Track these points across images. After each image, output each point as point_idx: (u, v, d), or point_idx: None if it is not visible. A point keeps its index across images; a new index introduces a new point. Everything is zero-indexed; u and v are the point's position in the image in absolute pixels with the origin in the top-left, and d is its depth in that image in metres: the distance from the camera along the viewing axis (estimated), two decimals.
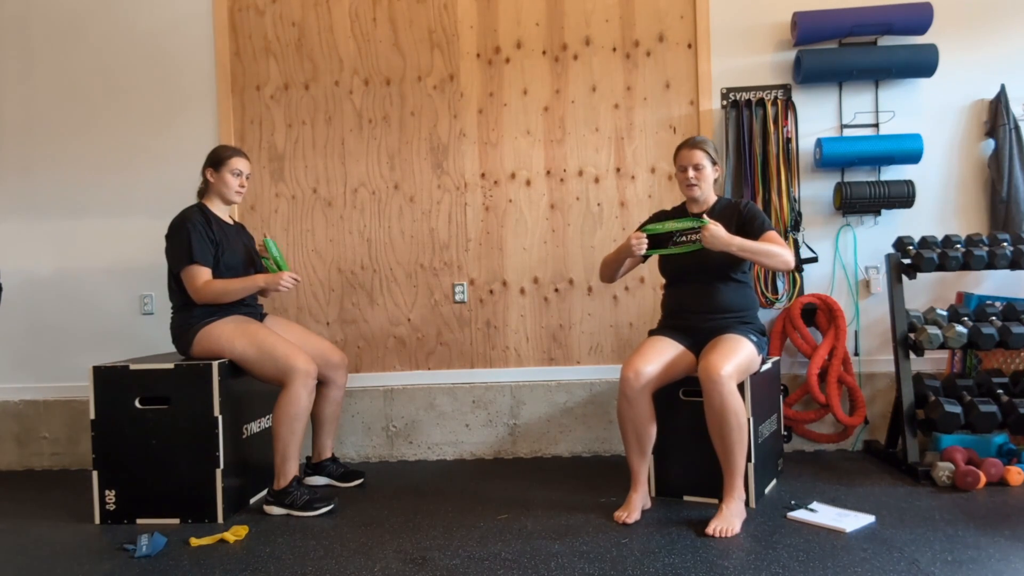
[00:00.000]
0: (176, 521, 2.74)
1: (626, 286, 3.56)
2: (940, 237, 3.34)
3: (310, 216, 3.64)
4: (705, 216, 2.71)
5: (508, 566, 2.23)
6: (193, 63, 3.65)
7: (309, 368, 2.76)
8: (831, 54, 3.35)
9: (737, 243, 2.58)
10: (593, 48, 3.55)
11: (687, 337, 2.75)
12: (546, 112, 3.58)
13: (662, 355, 2.66)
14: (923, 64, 3.32)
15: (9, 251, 3.70)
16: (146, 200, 3.66)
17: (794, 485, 2.93)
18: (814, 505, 2.65)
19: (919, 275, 3.39)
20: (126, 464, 2.75)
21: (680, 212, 2.89)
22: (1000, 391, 3.07)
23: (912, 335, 3.10)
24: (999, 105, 3.36)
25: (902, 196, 3.32)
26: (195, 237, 2.80)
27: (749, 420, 2.61)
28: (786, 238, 3.37)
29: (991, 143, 3.41)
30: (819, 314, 3.39)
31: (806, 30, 3.35)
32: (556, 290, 3.59)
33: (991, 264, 3.10)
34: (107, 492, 2.76)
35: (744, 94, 3.47)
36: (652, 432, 2.67)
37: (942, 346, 3.03)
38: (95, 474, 2.76)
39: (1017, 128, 3.35)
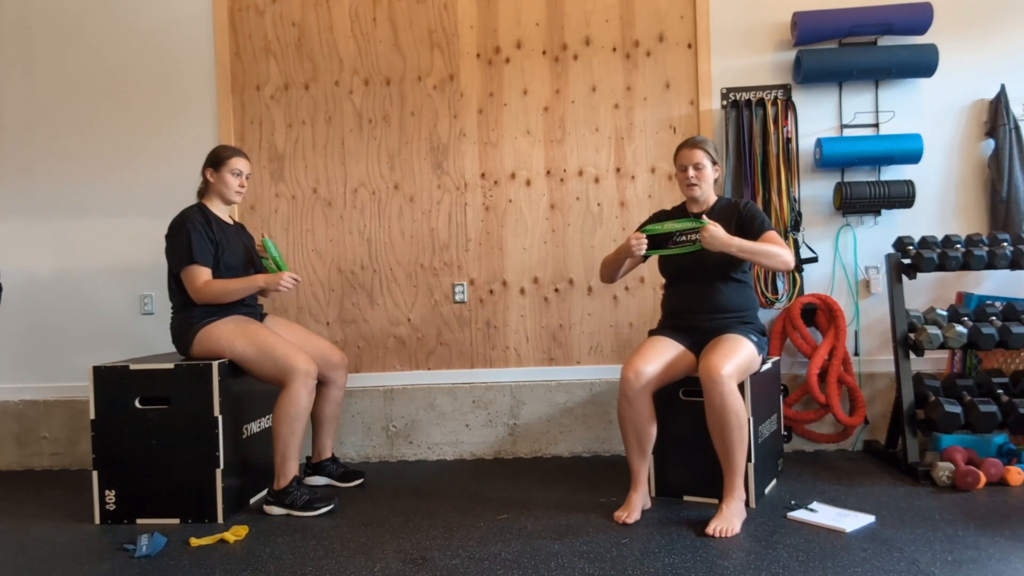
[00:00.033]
0: (176, 521, 2.74)
1: (626, 286, 3.56)
2: (940, 237, 3.34)
3: (310, 216, 3.64)
4: (704, 217, 2.71)
5: (508, 566, 2.23)
6: (193, 63, 3.65)
7: (309, 368, 2.76)
8: (831, 54, 3.35)
9: (736, 244, 2.58)
10: (593, 48, 3.55)
11: (687, 337, 2.75)
12: (546, 112, 3.58)
13: (662, 355, 2.66)
14: (923, 64, 3.32)
15: (9, 251, 3.70)
16: (146, 200, 3.66)
17: (794, 485, 2.94)
18: (814, 505, 2.65)
19: (919, 275, 3.39)
20: (126, 464, 2.75)
21: (680, 212, 2.89)
22: (1000, 391, 3.07)
23: (912, 335, 3.10)
24: (999, 105, 3.36)
25: (902, 196, 3.32)
26: (195, 237, 2.80)
27: (749, 420, 2.61)
28: (786, 238, 3.37)
29: (991, 143, 3.41)
30: (819, 314, 3.39)
31: (806, 30, 3.35)
32: (556, 290, 3.59)
33: (991, 264, 3.10)
34: (107, 492, 2.76)
35: (744, 94, 3.47)
36: (652, 432, 2.67)
37: (942, 346, 3.03)
38: (95, 474, 2.76)
39: (1017, 128, 3.35)
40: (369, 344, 3.63)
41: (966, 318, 3.07)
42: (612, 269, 2.88)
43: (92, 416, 2.75)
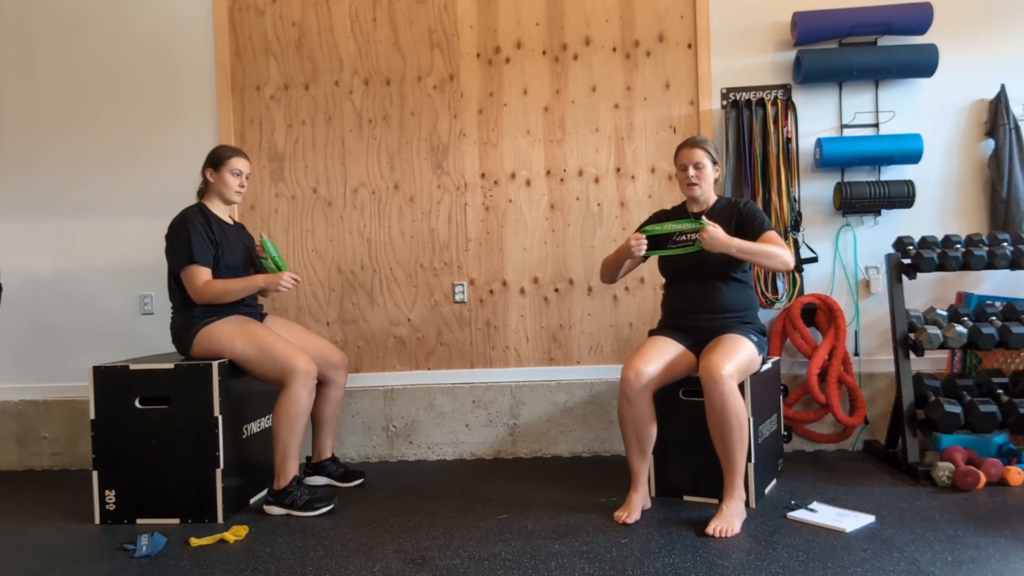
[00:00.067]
0: (176, 521, 2.74)
1: (626, 286, 3.56)
2: (940, 237, 3.34)
3: (310, 216, 3.64)
4: (704, 218, 2.71)
5: (508, 566, 2.23)
6: (193, 63, 3.65)
7: (309, 368, 2.76)
8: (831, 54, 3.35)
9: (736, 245, 2.58)
10: (593, 48, 3.55)
11: (687, 337, 2.75)
12: (546, 112, 3.58)
13: (663, 355, 2.66)
14: (923, 64, 3.32)
15: (9, 251, 3.70)
16: (146, 200, 3.66)
17: (794, 485, 2.94)
18: (814, 505, 2.65)
19: (919, 275, 3.39)
20: (126, 464, 2.75)
21: (680, 211, 2.89)
22: (1000, 391, 3.07)
23: (912, 335, 3.10)
24: (999, 105, 3.36)
25: (902, 196, 3.32)
26: (195, 237, 2.80)
27: (749, 420, 2.61)
28: (786, 238, 3.37)
29: (991, 143, 3.41)
30: (819, 314, 3.39)
31: (806, 30, 3.35)
32: (556, 290, 3.59)
33: (991, 264, 3.10)
34: (107, 492, 2.76)
35: (744, 94, 3.47)
36: (652, 432, 2.67)
37: (942, 346, 3.03)
38: (95, 474, 2.76)
39: (1017, 128, 3.35)
40: (369, 344, 3.63)
41: (966, 318, 3.07)
42: (612, 270, 2.88)
43: (92, 416, 2.75)
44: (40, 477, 3.53)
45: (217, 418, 2.72)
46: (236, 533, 2.55)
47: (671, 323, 2.82)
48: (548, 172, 3.58)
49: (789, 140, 3.41)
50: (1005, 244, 3.13)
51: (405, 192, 3.62)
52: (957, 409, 2.92)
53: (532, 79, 3.57)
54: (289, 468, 2.79)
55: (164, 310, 3.38)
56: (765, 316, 3.43)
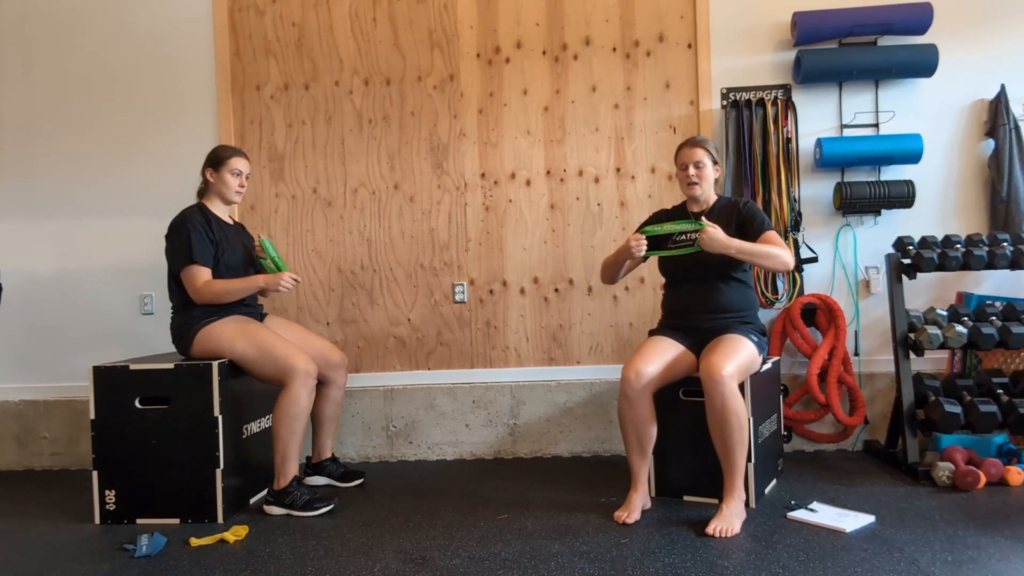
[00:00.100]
0: (176, 521, 2.74)
1: (626, 286, 3.56)
2: (940, 237, 3.34)
3: (310, 216, 3.64)
4: (704, 219, 2.71)
5: (508, 566, 2.23)
6: (193, 63, 3.65)
7: (309, 368, 2.76)
8: (831, 54, 3.35)
9: (735, 245, 2.58)
10: (593, 48, 3.55)
11: (687, 337, 2.75)
12: (546, 112, 3.58)
13: (663, 355, 2.66)
14: (923, 64, 3.32)
15: (9, 251, 3.70)
16: (146, 200, 3.66)
17: (794, 485, 2.94)
18: (814, 505, 2.65)
19: (919, 275, 3.39)
20: (126, 464, 2.75)
21: (680, 211, 2.89)
22: (1000, 391, 3.07)
23: (912, 335, 3.10)
24: (999, 105, 3.36)
25: (902, 196, 3.32)
26: (195, 237, 2.80)
27: (749, 420, 2.61)
28: (786, 238, 3.37)
29: (991, 143, 3.41)
30: (819, 314, 3.39)
31: (806, 30, 3.35)
32: (556, 290, 3.59)
33: (991, 264, 3.10)
34: (107, 492, 2.76)
35: (744, 94, 3.47)
36: (652, 432, 2.67)
37: (942, 346, 3.03)
38: (95, 474, 2.76)
39: (1017, 128, 3.35)
40: (369, 344, 3.63)
41: (966, 318, 3.07)
42: (612, 270, 2.88)
43: (92, 416, 2.75)
44: (40, 477, 3.53)
45: (217, 418, 2.72)
46: (236, 533, 2.55)
47: (671, 323, 2.82)
48: (548, 172, 3.58)
49: (789, 140, 3.41)
50: (1005, 244, 3.13)
51: (405, 192, 3.62)
52: (957, 409, 2.92)
53: (532, 79, 3.57)
54: (289, 468, 2.79)
55: (164, 310, 3.38)
56: (765, 316, 3.43)
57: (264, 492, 2.92)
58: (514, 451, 3.56)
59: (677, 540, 2.39)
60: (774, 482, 2.96)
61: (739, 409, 2.47)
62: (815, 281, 3.49)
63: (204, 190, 2.99)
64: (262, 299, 3.18)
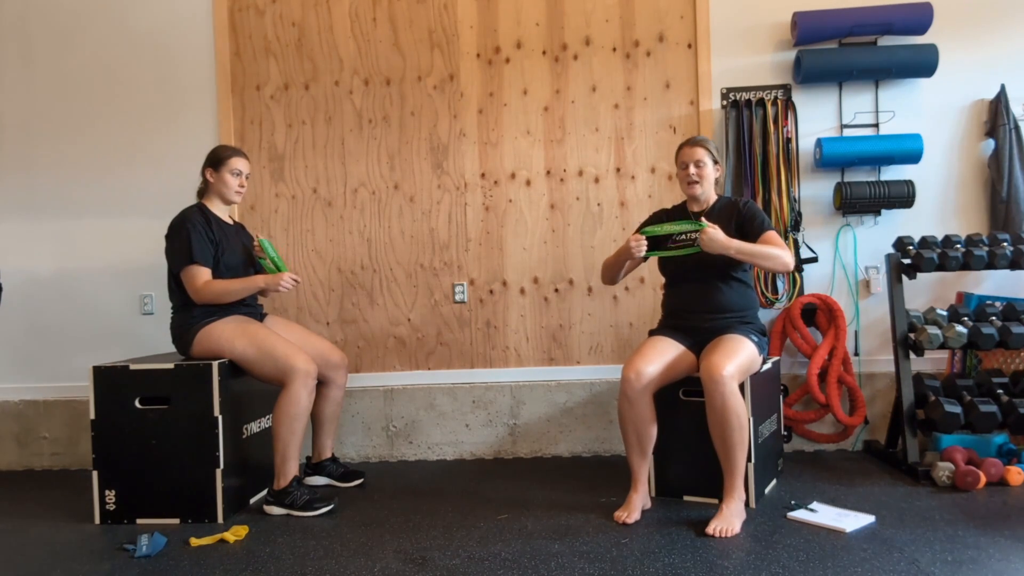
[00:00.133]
0: (176, 521, 2.74)
1: (626, 286, 3.55)
2: (940, 237, 3.34)
3: (310, 216, 3.64)
4: (704, 219, 2.71)
5: (508, 566, 2.23)
6: (193, 63, 3.65)
7: (309, 368, 2.76)
8: (831, 54, 3.35)
9: (735, 246, 2.58)
10: (593, 48, 3.55)
11: (688, 337, 2.75)
12: (546, 112, 3.58)
13: (663, 355, 2.66)
14: (923, 64, 3.32)
15: (9, 251, 3.70)
16: (146, 200, 3.66)
17: (794, 485, 2.94)
18: (814, 505, 2.65)
19: (919, 275, 3.39)
20: (126, 464, 2.75)
21: (680, 211, 2.89)
22: (1000, 391, 3.07)
23: (912, 335, 3.10)
24: (999, 105, 3.36)
25: (902, 196, 3.32)
26: (195, 237, 2.80)
27: (749, 420, 2.61)
28: (786, 238, 3.37)
29: (991, 143, 3.41)
30: (819, 314, 3.39)
31: (806, 30, 3.35)
32: (556, 290, 3.59)
33: (991, 264, 3.10)
34: (107, 492, 2.76)
35: (744, 94, 3.47)
36: (653, 432, 2.67)
37: (942, 346, 3.03)
38: (95, 474, 2.76)
39: (1017, 128, 3.35)
40: (369, 344, 3.63)
41: (966, 318, 3.07)
42: (613, 271, 2.88)
43: (92, 416, 2.75)
44: (40, 477, 3.53)
45: (217, 418, 2.72)
46: (236, 533, 2.55)
47: (671, 323, 2.82)
48: (548, 172, 3.58)
49: (789, 140, 3.41)
50: (1005, 244, 3.13)
51: (405, 192, 3.62)
52: (957, 409, 2.92)
53: (532, 79, 3.57)
54: (289, 468, 2.79)
55: (164, 310, 3.38)
56: (765, 316, 3.43)
57: (264, 492, 2.92)
58: (514, 451, 3.56)
59: (677, 540, 2.39)
60: (774, 482, 2.96)
61: (739, 409, 2.47)
62: (815, 281, 3.49)
63: (204, 190, 2.99)
64: (262, 299, 3.18)
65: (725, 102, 3.48)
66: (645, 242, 2.71)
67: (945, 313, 3.14)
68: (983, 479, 2.81)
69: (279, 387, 2.79)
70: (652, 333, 2.83)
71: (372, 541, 2.49)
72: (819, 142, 3.38)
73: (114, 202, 3.68)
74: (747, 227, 2.71)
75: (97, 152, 3.68)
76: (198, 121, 3.65)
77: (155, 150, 3.67)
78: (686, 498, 2.82)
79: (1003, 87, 3.37)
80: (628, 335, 3.57)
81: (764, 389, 2.85)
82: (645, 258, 2.78)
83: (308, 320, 3.63)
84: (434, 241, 3.61)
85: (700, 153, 2.75)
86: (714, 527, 2.42)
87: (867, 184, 3.33)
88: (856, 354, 3.47)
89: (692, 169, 2.75)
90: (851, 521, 2.48)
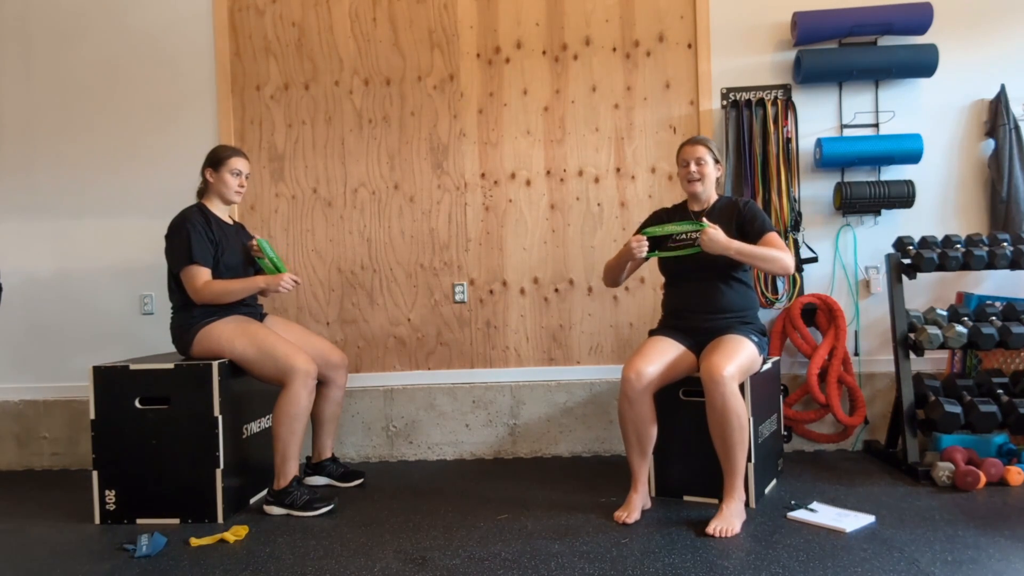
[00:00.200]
0: (176, 521, 2.74)
1: (626, 286, 3.55)
2: (940, 237, 3.34)
3: (310, 216, 3.64)
4: (705, 219, 2.71)
5: (508, 566, 2.23)
6: (193, 63, 3.65)
7: (309, 368, 2.76)
8: (831, 54, 3.35)
9: (735, 247, 2.58)
10: (593, 48, 3.55)
11: (688, 337, 2.74)
12: (546, 112, 3.58)
13: (663, 355, 2.66)
14: (923, 64, 3.32)
15: (9, 251, 3.70)
16: (146, 200, 3.66)
17: (794, 485, 2.93)
18: (814, 505, 2.65)
19: (919, 275, 3.39)
20: (126, 464, 2.75)
21: (680, 210, 2.89)
22: (1000, 391, 3.07)
23: (912, 335, 3.10)
24: (999, 105, 3.36)
25: (902, 196, 3.32)
26: (195, 237, 2.80)
27: (750, 420, 2.61)
28: (786, 238, 3.37)
29: (991, 143, 3.41)
30: (819, 314, 3.39)
31: (806, 30, 3.35)
32: (556, 290, 3.59)
33: (991, 264, 3.10)
34: (107, 492, 2.76)
35: (744, 94, 3.47)
36: (653, 432, 2.67)
37: (942, 346, 3.03)
38: (95, 474, 2.76)
39: (1017, 128, 3.35)
40: (369, 344, 3.63)
41: (966, 318, 3.07)
42: (615, 273, 2.88)
43: (92, 416, 2.75)
44: (40, 477, 3.53)
45: (217, 418, 2.72)
46: (236, 533, 2.55)
47: (671, 323, 2.82)
48: (548, 172, 3.58)
49: (789, 140, 3.41)
50: (1005, 244, 3.13)
51: (405, 192, 3.62)
52: (957, 409, 2.92)
53: (532, 79, 3.57)
54: (289, 468, 2.79)
55: (164, 310, 3.38)
56: (765, 316, 3.43)
57: (264, 492, 2.92)
58: (514, 451, 3.56)
59: (677, 540, 2.39)
60: (774, 482, 2.96)
61: (739, 409, 2.47)
62: (815, 281, 3.49)
63: (204, 190, 2.99)
64: (262, 299, 3.18)
65: (725, 102, 3.48)
66: (646, 242, 2.71)
67: (945, 313, 3.14)
68: (983, 479, 2.81)
69: (279, 387, 2.79)
70: (652, 333, 2.83)
71: (372, 541, 2.49)
72: (819, 142, 3.38)
73: (114, 202, 3.68)
74: (748, 228, 2.71)
75: (97, 152, 3.69)
76: (198, 121, 3.65)
77: (155, 150, 3.67)
78: (686, 498, 2.82)
79: (1003, 87, 3.37)
80: (628, 335, 3.57)
81: (764, 389, 2.85)
82: (646, 258, 2.78)
83: (308, 320, 3.63)
84: (434, 241, 3.61)
85: (701, 151, 2.75)
86: (714, 527, 2.42)
87: (867, 184, 3.33)
88: (856, 354, 3.47)
89: (693, 167, 2.76)
90: (851, 521, 2.48)
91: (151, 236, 3.50)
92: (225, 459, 2.75)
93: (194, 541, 2.50)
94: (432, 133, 3.60)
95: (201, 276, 2.80)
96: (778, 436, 3.06)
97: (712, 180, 2.79)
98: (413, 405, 3.57)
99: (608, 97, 3.55)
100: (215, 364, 2.73)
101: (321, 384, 3.05)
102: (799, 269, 3.42)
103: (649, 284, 3.55)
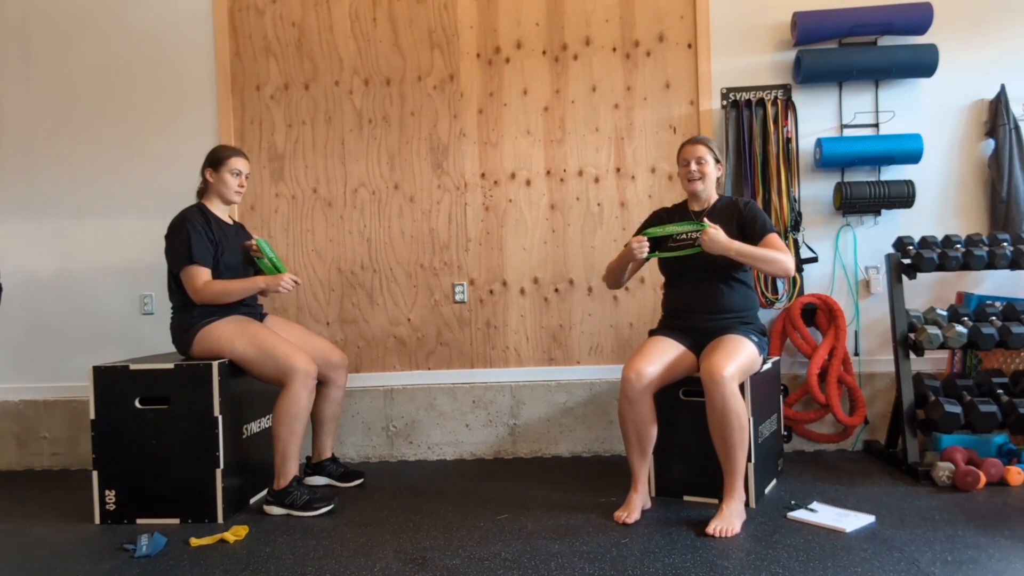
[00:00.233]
0: (176, 521, 2.74)
1: (626, 286, 3.55)
2: (940, 237, 3.34)
3: (310, 216, 3.64)
4: (706, 220, 2.71)
5: (508, 566, 2.23)
6: (193, 63, 3.65)
7: (309, 368, 2.76)
8: (831, 54, 3.35)
9: (736, 247, 2.58)
10: (593, 48, 3.55)
11: (688, 337, 2.74)
12: (546, 112, 3.58)
13: (663, 355, 2.66)
14: (923, 64, 3.32)
15: (9, 251, 3.70)
16: (146, 200, 3.66)
17: (794, 485, 2.93)
18: (814, 505, 2.65)
19: (919, 275, 3.39)
20: (126, 464, 2.75)
21: (680, 209, 2.89)
22: (1000, 391, 3.07)
23: (912, 335, 3.10)
24: (999, 105, 3.36)
25: (902, 196, 3.32)
26: (195, 237, 2.80)
27: (750, 420, 2.61)
28: (786, 238, 3.37)
29: (991, 143, 3.41)
30: (819, 314, 3.39)
31: (806, 30, 3.35)
32: (556, 290, 3.59)
33: (991, 264, 3.10)
34: (107, 492, 2.76)
35: (744, 94, 3.47)
36: (653, 433, 2.67)
37: (942, 346, 3.03)
38: (95, 474, 2.76)
39: (1017, 128, 3.35)
40: (369, 344, 3.63)
41: (966, 318, 3.07)
42: (617, 274, 2.88)
43: (92, 416, 2.75)
44: (40, 477, 3.53)
45: (217, 418, 2.72)
46: (236, 533, 2.55)
47: (671, 323, 2.82)
48: (548, 172, 3.58)
49: (789, 140, 3.41)
50: (1005, 244, 3.13)
51: (405, 192, 3.62)
52: (957, 409, 2.92)
53: (532, 79, 3.57)
54: (289, 468, 2.79)
55: (164, 310, 3.38)
56: (765, 316, 3.43)
57: (264, 492, 2.92)
58: (514, 451, 3.56)
59: (677, 540, 2.39)
60: (774, 482, 2.96)
61: (739, 409, 2.47)
62: (815, 281, 3.49)
63: (204, 190, 2.99)
64: (262, 299, 3.18)
65: (725, 102, 3.48)
66: (647, 243, 2.71)
67: (945, 313, 3.14)
68: (983, 479, 2.81)
69: (279, 387, 2.79)
70: (652, 333, 2.83)
71: (372, 541, 2.49)
72: (819, 142, 3.38)
73: (114, 202, 3.68)
74: (748, 229, 2.71)
75: (97, 152, 3.68)
76: (198, 121, 3.65)
77: (155, 150, 3.67)
78: (686, 498, 2.82)
79: (1003, 87, 3.37)
80: (628, 335, 3.57)
81: (764, 389, 2.85)
82: (647, 259, 2.78)
83: (308, 320, 3.63)
84: (434, 241, 3.61)
85: (702, 151, 2.76)
86: (714, 527, 2.42)
87: (867, 184, 3.33)
88: (856, 354, 3.47)
89: (694, 166, 2.76)
90: (851, 521, 2.48)
91: (151, 236, 3.50)
92: (225, 459, 2.75)
93: (194, 541, 2.50)
94: (432, 133, 3.60)
95: (201, 276, 2.80)
96: (778, 436, 3.06)
97: (713, 180, 2.79)
98: (413, 405, 3.57)
99: (608, 97, 3.55)
100: (215, 364, 2.73)
101: (321, 384, 3.05)
102: (799, 269, 3.42)
103: (649, 284, 3.55)
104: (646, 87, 3.54)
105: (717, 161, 2.79)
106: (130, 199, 3.67)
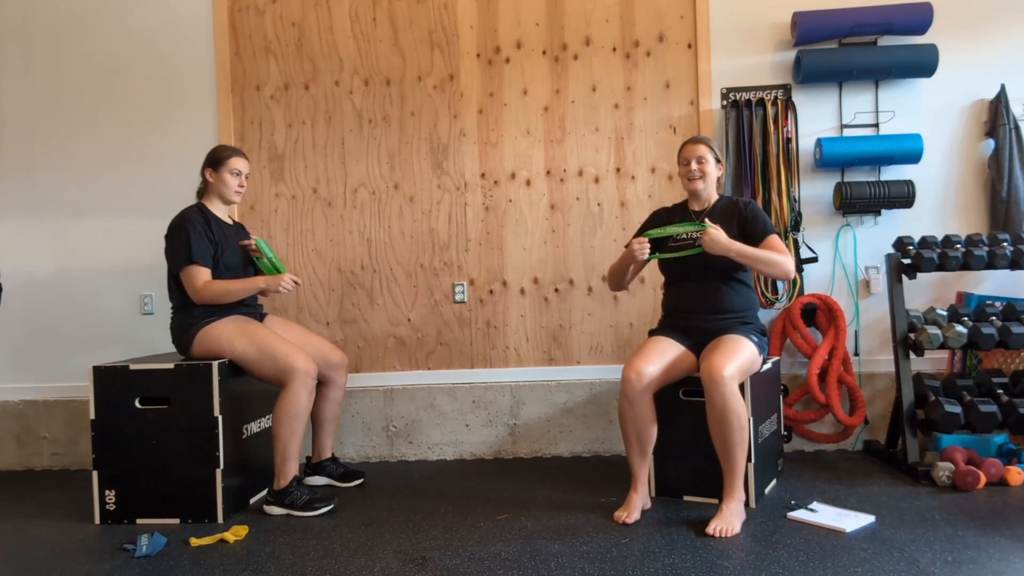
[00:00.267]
0: (176, 521, 2.74)
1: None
2: (940, 237, 3.34)
3: (310, 216, 3.64)
4: (706, 220, 2.71)
5: (508, 566, 2.23)
6: (193, 63, 3.65)
7: (309, 368, 2.76)
8: (831, 54, 3.35)
9: (736, 248, 2.58)
10: (593, 48, 3.55)
11: (688, 337, 2.74)
12: (546, 112, 3.58)
13: (663, 355, 2.66)
14: (923, 64, 3.32)
15: (9, 251, 3.70)
16: (146, 200, 3.66)
17: (794, 485, 2.94)
18: (814, 505, 2.65)
19: (919, 275, 3.39)
20: (126, 464, 2.75)
21: (680, 209, 2.89)
22: (1000, 391, 3.07)
23: (912, 335, 3.10)
24: (999, 105, 3.36)
25: (902, 196, 3.32)
26: (195, 237, 2.80)
27: (750, 420, 2.61)
28: (786, 238, 3.37)
29: (991, 143, 3.41)
30: (819, 314, 3.39)
31: (806, 30, 3.35)
32: (556, 290, 3.59)
33: (991, 264, 3.10)
34: (107, 492, 2.76)
35: (744, 94, 3.47)
36: (653, 433, 2.67)
37: (942, 346, 3.03)
38: (95, 474, 2.76)
39: (1017, 128, 3.35)
40: (369, 344, 3.63)
41: (966, 318, 3.07)
42: (619, 276, 2.88)
43: (92, 416, 2.75)
44: (40, 477, 3.53)
45: (217, 418, 2.72)
46: (236, 533, 2.55)
47: (671, 323, 2.82)
48: (548, 172, 3.58)
49: (789, 140, 3.41)
50: (1005, 244, 3.13)
51: (405, 192, 3.62)
52: (957, 409, 2.92)
53: (532, 79, 3.57)
54: (289, 468, 2.79)
55: (164, 310, 3.38)
56: (765, 316, 3.43)
57: (264, 492, 2.92)
58: (514, 451, 3.56)
59: (677, 540, 2.39)
60: (774, 482, 2.96)
61: (739, 409, 2.47)
62: (815, 281, 3.49)
63: (204, 190, 2.99)
64: (262, 299, 3.18)
65: (725, 102, 3.48)
66: (648, 244, 2.71)
67: (945, 313, 3.14)
68: (983, 479, 2.81)
69: (279, 387, 2.79)
70: (652, 333, 2.83)
71: (372, 541, 2.49)
72: (819, 142, 3.38)
73: (114, 202, 3.68)
74: (749, 229, 2.71)
75: (97, 152, 3.69)
76: (198, 121, 3.65)
77: (155, 150, 3.67)
78: (686, 498, 2.82)
79: (1003, 87, 3.37)
80: (628, 335, 3.57)
81: (764, 389, 2.85)
82: (648, 260, 2.78)
83: (308, 320, 3.63)
84: (434, 241, 3.61)
85: (702, 150, 2.76)
86: (714, 527, 2.42)
87: (867, 184, 3.33)
88: (856, 354, 3.47)
89: (694, 165, 2.76)
90: (851, 521, 2.48)
91: (151, 236, 3.50)
92: (225, 459, 2.75)
93: (194, 541, 2.50)
94: (432, 133, 3.60)
95: (201, 276, 2.80)
96: (778, 436, 3.06)
97: (713, 179, 2.79)
98: (413, 405, 3.57)
99: (608, 97, 3.55)
100: (215, 364, 2.73)
101: (321, 384, 3.05)
102: (799, 269, 3.42)
103: (649, 284, 3.55)
104: (646, 87, 3.54)
105: (718, 161, 2.79)
106: (130, 199, 3.67)
